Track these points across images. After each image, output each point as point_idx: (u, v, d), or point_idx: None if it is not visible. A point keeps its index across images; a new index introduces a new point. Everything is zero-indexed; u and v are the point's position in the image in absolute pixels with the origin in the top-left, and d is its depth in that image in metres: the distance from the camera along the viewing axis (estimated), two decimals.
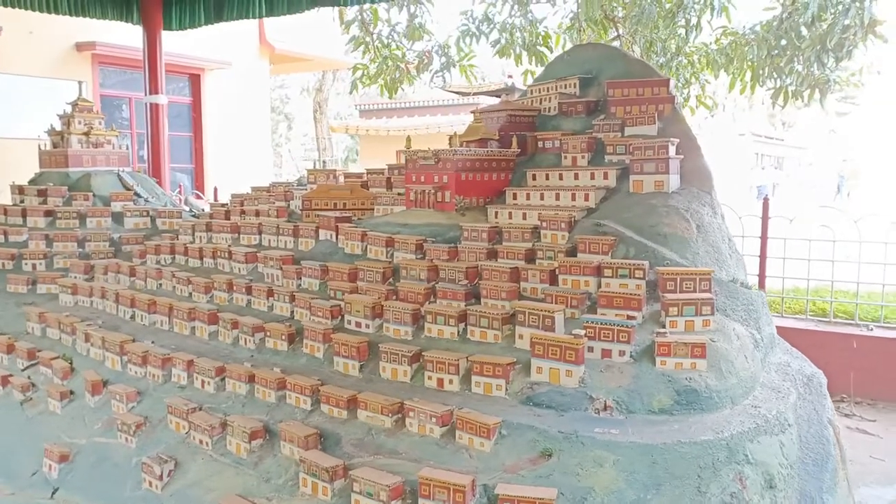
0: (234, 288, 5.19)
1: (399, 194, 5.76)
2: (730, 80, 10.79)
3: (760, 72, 10.45)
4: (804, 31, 9.75)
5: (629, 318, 3.41)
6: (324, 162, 8.35)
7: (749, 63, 10.66)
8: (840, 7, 9.23)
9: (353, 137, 30.43)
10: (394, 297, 4.30)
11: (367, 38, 11.67)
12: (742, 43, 10.78)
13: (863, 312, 8.21)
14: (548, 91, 5.56)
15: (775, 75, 10.38)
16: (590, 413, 3.14)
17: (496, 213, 4.83)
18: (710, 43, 11.21)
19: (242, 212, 6.77)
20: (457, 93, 24.00)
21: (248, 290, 5.10)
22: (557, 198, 4.71)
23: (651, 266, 3.71)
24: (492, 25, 11.42)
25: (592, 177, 4.71)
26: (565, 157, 4.97)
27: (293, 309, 4.73)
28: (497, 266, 4.10)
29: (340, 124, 23.35)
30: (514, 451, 3.04)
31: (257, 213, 6.57)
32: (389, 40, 11.83)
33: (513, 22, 11.28)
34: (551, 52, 11.68)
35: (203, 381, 4.37)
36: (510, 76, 24.59)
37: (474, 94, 23.34)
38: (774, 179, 30.15)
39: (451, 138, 5.22)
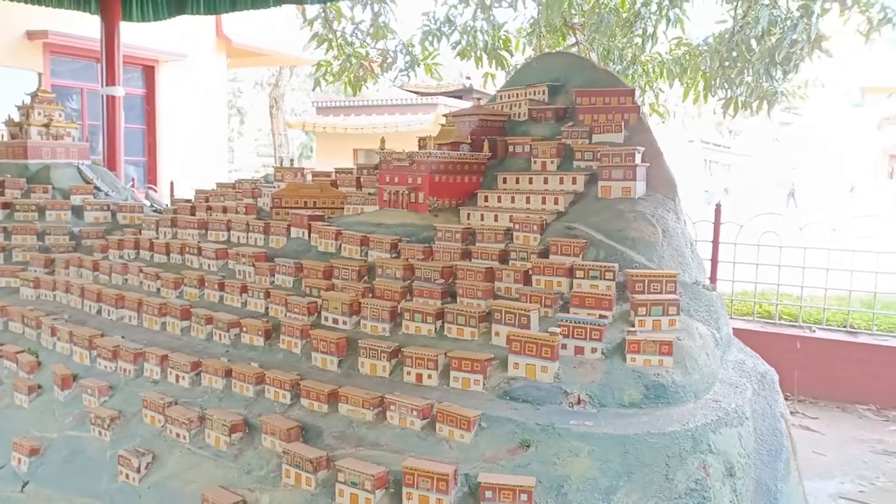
0: (206, 284, 5.23)
1: (370, 194, 5.87)
2: (683, 89, 11.13)
3: (713, 82, 10.82)
4: (754, 44, 10.12)
5: (601, 317, 3.59)
6: (291, 160, 8.39)
7: (702, 73, 11.02)
8: (789, 22, 9.61)
9: (308, 134, 30.32)
10: (370, 295, 4.41)
11: (331, 36, 11.71)
12: (695, 54, 11.15)
13: (806, 315, 8.59)
14: (518, 97, 5.73)
15: (726, 86, 10.77)
16: (564, 406, 3.31)
17: (468, 214, 4.98)
18: (665, 53, 11.53)
19: (209, 208, 6.79)
20: (415, 92, 24.14)
21: (221, 287, 5.14)
22: (528, 201, 4.87)
23: (620, 268, 3.90)
24: (453, 27, 11.58)
25: (562, 181, 4.89)
26: (535, 162, 5.14)
27: (268, 305, 4.80)
28: (472, 266, 4.25)
29: (297, 121, 23.27)
30: (493, 443, 3.19)
31: (224, 210, 6.59)
32: (353, 38, 11.89)
33: (474, 25, 11.45)
34: (511, 56, 11.89)
35: (178, 376, 4.41)
36: (468, 77, 24.84)
37: (432, 94, 23.50)
38: (724, 185, 31.01)
39: (422, 140, 5.35)
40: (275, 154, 24.27)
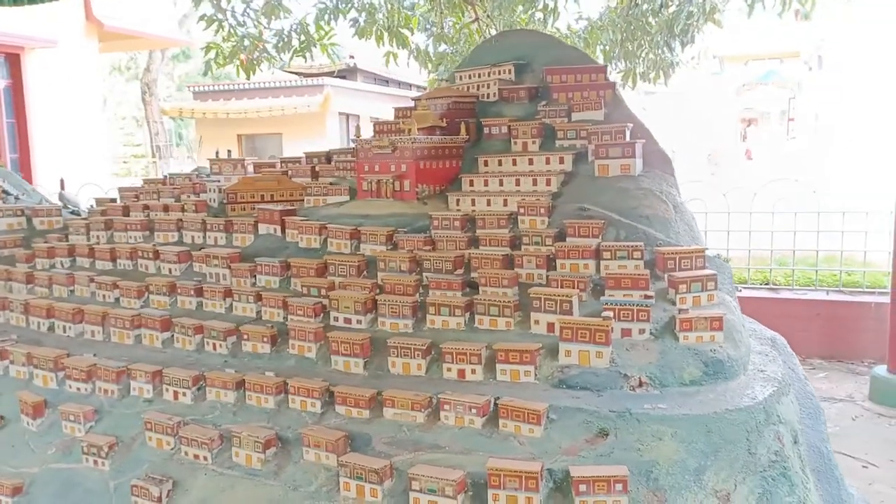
0: (180, 290, 4.86)
1: (331, 184, 5.64)
2: None
3: (612, 55, 11.07)
4: (651, 18, 10.42)
5: (646, 297, 3.59)
6: (228, 151, 7.90)
7: (603, 48, 11.24)
8: None
9: (177, 120, 28.91)
10: (378, 291, 4.23)
11: (220, 16, 11.12)
12: (597, 27, 11.35)
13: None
14: (485, 77, 5.63)
15: (625, 59, 11.04)
16: (625, 391, 3.29)
17: (457, 200, 4.86)
18: (566, 28, 11.66)
19: (146, 207, 6.32)
20: (297, 74, 23.44)
21: (199, 292, 4.80)
22: (517, 183, 4.81)
23: (644, 247, 3.92)
24: (349, 4, 11.24)
25: (548, 161, 4.85)
26: (515, 143, 5.08)
27: (260, 309, 4.52)
28: (489, 254, 4.15)
29: (173, 107, 22.10)
30: (567, 434, 3.13)
31: (167, 209, 6.15)
32: (245, 18, 11.33)
33: (372, 2, 11.17)
34: (412, 34, 11.70)
35: (176, 393, 4.09)
36: (352, 56, 24.34)
37: (315, 74, 22.91)
38: None
39: (402, 126, 5.16)
40: (151, 143, 22.98)
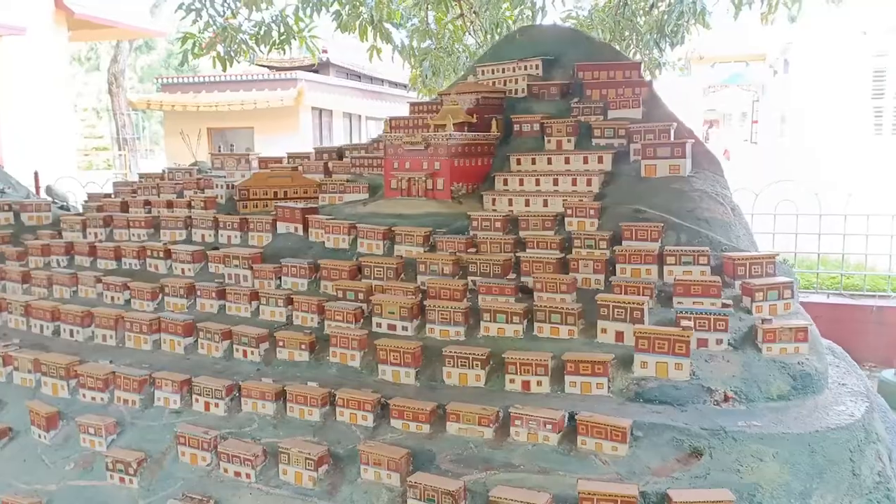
0: (200, 292, 4.56)
1: (348, 181, 5.39)
2: None
3: None
4: (640, 18, 10.31)
5: (724, 305, 3.41)
6: (231, 146, 7.51)
7: None
8: None
9: (139, 112, 28.13)
10: (419, 296, 3.99)
11: (199, 5, 10.73)
12: (585, 25, 11.20)
13: None
14: (512, 72, 5.42)
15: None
16: (709, 405, 3.11)
17: (493, 199, 4.65)
18: (553, 25, 11.45)
19: (147, 203, 5.99)
20: (268, 67, 22.95)
21: (221, 295, 4.51)
22: (556, 183, 4.61)
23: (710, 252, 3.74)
24: None
25: (586, 161, 4.66)
26: (549, 141, 4.88)
27: (291, 313, 4.25)
28: (542, 257, 3.94)
29: (141, 99, 21.41)
30: (655, 453, 2.94)
31: (170, 205, 5.83)
32: (224, 8, 10.97)
33: None
34: (397, 29, 11.44)
35: (208, 404, 3.81)
36: (324, 51, 23.87)
37: (286, 68, 22.45)
38: None
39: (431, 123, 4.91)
40: (117, 136, 22.29)
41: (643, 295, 3.56)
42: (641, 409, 3.14)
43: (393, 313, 3.88)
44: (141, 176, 6.75)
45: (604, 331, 3.47)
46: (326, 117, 22.95)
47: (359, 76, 25.79)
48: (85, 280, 5.05)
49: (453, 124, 4.75)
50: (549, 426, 3.09)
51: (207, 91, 22.16)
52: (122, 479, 3.62)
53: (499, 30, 11.86)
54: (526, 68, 5.40)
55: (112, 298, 4.87)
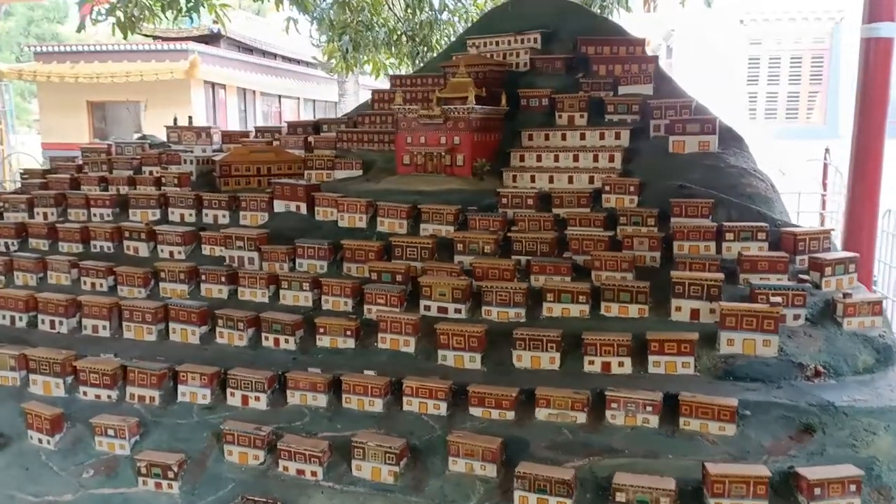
0: (207, 277, 4.17)
1: (338, 157, 5.10)
2: None
3: None
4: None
5: (800, 280, 3.41)
6: (189, 118, 6.89)
7: None
8: None
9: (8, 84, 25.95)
10: (457, 275, 3.79)
11: None
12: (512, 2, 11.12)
13: None
14: (507, 45, 5.25)
15: None
16: (801, 381, 3.11)
17: (514, 176, 4.49)
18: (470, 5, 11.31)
19: (104, 179, 5.45)
20: (154, 37, 21.63)
21: (232, 279, 4.13)
22: (576, 159, 4.51)
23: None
24: None
25: (602, 137, 4.59)
26: (560, 117, 4.77)
27: (318, 297, 3.95)
28: (593, 234, 3.83)
29: (12, 69, 19.65)
30: (765, 431, 2.90)
31: (133, 182, 5.33)
32: None
33: None
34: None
35: (246, 397, 3.48)
36: (215, 22, 22.73)
37: (174, 39, 21.22)
38: None
39: (436, 96, 4.67)
40: None
41: (709, 271, 3.51)
42: (733, 387, 3.09)
43: (444, 295, 3.67)
44: (84, 150, 6.14)
45: (678, 308, 3.40)
46: (220, 92, 21.92)
47: (251, 49, 24.76)
48: (56, 265, 4.52)
49: (447, 97, 4.53)
50: (649, 408, 2.99)
51: (87, 61, 20.61)
52: (158, 485, 3.26)
53: (420, 5, 11.62)
54: (523, 41, 5.25)
55: (93, 285, 4.39)
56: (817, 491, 2.63)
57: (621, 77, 4.84)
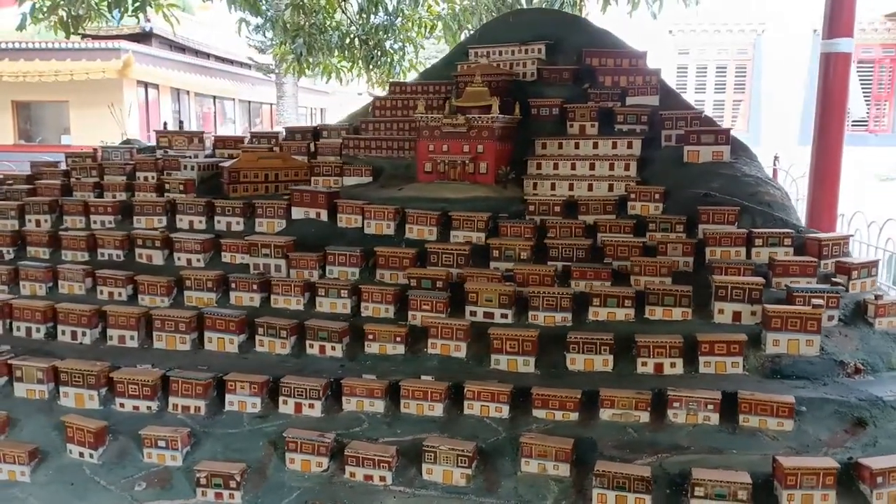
0: (237, 285, 4.12)
1: (345, 164, 5.12)
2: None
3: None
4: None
5: (834, 283, 3.62)
6: (181, 122, 6.62)
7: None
8: None
9: None
10: (499, 281, 3.88)
11: None
12: (467, 10, 11.25)
13: None
14: (512, 55, 5.37)
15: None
16: (842, 378, 3.31)
17: (534, 184, 4.60)
18: (423, 9, 11.36)
19: (98, 186, 5.31)
20: (83, 35, 20.88)
21: (264, 287, 4.10)
22: (592, 167, 4.66)
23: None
24: None
25: (614, 146, 4.75)
26: (571, 126, 4.91)
27: (356, 304, 3.96)
28: (631, 241, 3.97)
29: None
30: (821, 426, 3.08)
31: (130, 188, 5.21)
32: None
33: None
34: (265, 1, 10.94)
35: (300, 405, 3.47)
36: (148, 20, 22.08)
37: (106, 37, 20.55)
38: None
39: (448, 103, 4.74)
40: None
41: (744, 275, 3.69)
42: (781, 385, 3.27)
43: (490, 301, 3.74)
44: (69, 156, 5.95)
45: (721, 311, 3.56)
46: (152, 92, 21.31)
47: (183, 49, 24.18)
48: (70, 275, 4.38)
49: (463, 106, 4.62)
50: (709, 406, 3.14)
51: (12, 59, 19.73)
52: (219, 495, 3.22)
53: (375, 9, 11.62)
54: (528, 52, 5.38)
55: (111, 294, 4.28)
56: (879, 479, 2.82)
57: (628, 88, 5.01)
